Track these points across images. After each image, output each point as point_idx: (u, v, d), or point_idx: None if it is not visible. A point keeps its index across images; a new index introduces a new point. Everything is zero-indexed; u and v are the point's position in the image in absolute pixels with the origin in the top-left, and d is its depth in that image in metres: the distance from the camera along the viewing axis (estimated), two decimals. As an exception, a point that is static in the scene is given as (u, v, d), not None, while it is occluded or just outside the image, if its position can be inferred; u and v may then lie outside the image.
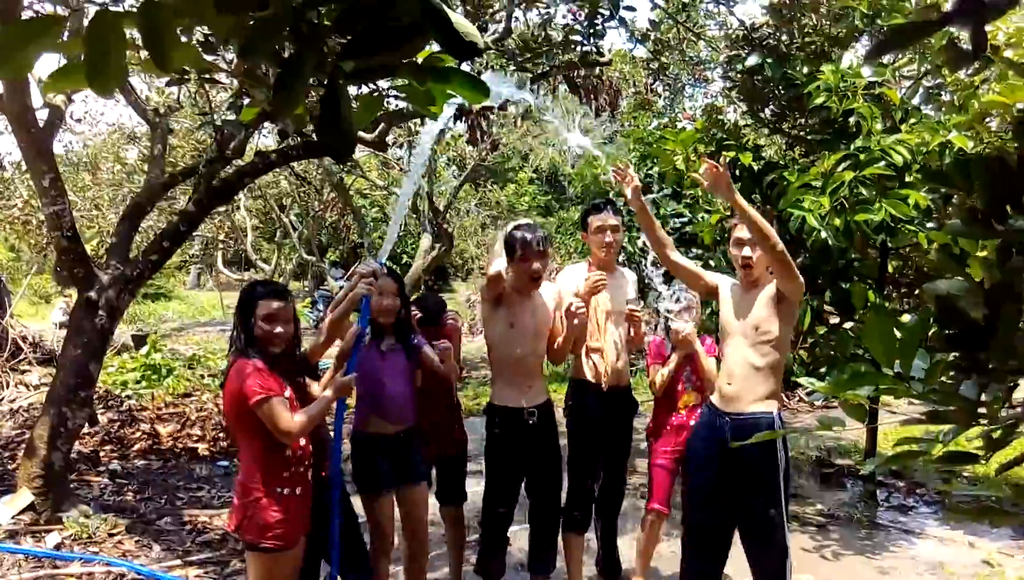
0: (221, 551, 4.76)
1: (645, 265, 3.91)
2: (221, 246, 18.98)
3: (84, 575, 4.31)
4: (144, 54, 1.20)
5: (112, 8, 1.17)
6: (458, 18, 1.25)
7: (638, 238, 9.90)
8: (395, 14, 1.22)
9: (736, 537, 3.52)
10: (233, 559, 4.61)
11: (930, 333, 1.39)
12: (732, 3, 13.20)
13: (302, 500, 3.00)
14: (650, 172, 10.74)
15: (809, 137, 5.71)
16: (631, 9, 6.19)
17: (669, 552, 4.54)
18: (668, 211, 10.53)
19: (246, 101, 4.61)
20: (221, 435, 7.33)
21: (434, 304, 4.22)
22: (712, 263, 6.28)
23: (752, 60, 5.61)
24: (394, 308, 3.53)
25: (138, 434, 7.27)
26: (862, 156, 4.73)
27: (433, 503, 3.98)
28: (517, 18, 6.53)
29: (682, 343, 4.00)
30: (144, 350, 10.35)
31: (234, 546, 4.80)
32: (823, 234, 4.66)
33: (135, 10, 1.16)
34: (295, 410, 2.93)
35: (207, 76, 3.38)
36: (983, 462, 1.41)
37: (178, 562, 4.56)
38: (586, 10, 6.08)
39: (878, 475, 6.18)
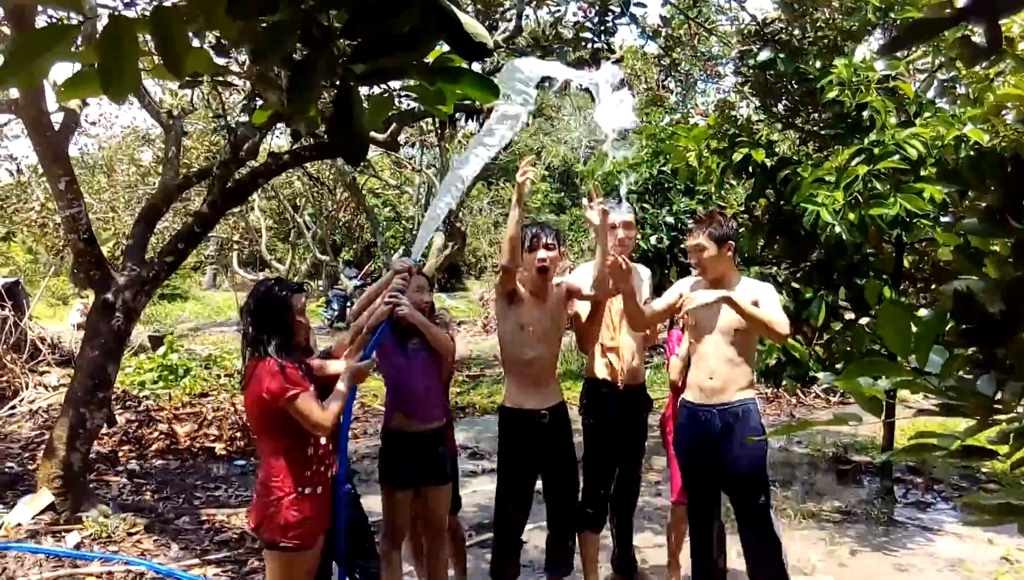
0: (239, 550, 4.79)
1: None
2: (236, 247, 19.10)
3: (104, 574, 4.35)
4: (157, 59, 1.22)
5: (125, 14, 1.18)
6: (467, 19, 1.26)
7: (651, 236, 9.90)
8: (404, 17, 1.23)
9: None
10: (251, 558, 4.65)
11: (947, 328, 1.38)
12: (744, -3, 13.13)
13: (323, 499, 3.02)
14: (663, 168, 10.72)
15: (822, 132, 5.67)
16: (642, 5, 6.17)
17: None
18: (680, 207, 10.50)
19: (258, 103, 4.64)
20: (238, 435, 7.38)
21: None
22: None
23: (764, 55, 5.58)
24: (428, 303, 3.61)
25: (156, 434, 7.33)
26: (876, 150, 4.69)
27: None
28: (528, 16, 6.53)
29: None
30: (161, 350, 10.44)
31: (251, 545, 4.84)
32: (837, 229, 4.63)
33: (147, 16, 1.17)
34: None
35: (220, 79, 3.41)
36: (1001, 459, 1.40)
37: (196, 561, 4.60)
38: (597, 7, 6.08)
39: (895, 472, 6.14)
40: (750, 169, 5.39)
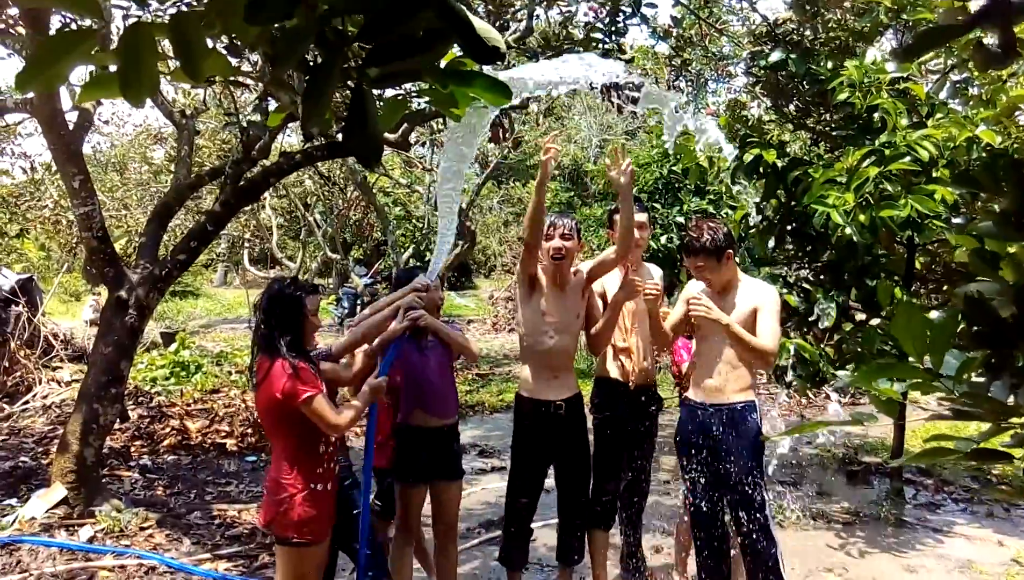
0: (250, 545, 4.83)
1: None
2: (247, 245, 19.18)
3: (116, 568, 4.39)
4: (175, 63, 1.24)
5: (144, 19, 1.20)
6: (480, 23, 1.27)
7: (661, 236, 9.89)
8: (418, 21, 1.24)
9: None
10: (262, 553, 4.68)
11: (959, 330, 1.38)
12: (756, -3, 13.08)
13: (331, 496, 3.06)
14: (673, 168, 10.70)
15: (834, 133, 5.66)
16: (652, 6, 6.16)
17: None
18: (691, 207, 10.49)
19: (271, 103, 4.67)
20: (249, 431, 7.42)
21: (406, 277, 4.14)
22: (736, 259, 6.25)
23: (775, 56, 5.57)
24: (442, 302, 3.66)
25: (168, 430, 7.39)
26: (887, 151, 4.68)
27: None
28: (538, 16, 6.53)
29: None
30: (173, 347, 10.51)
31: (262, 540, 4.87)
32: (848, 230, 4.62)
33: (166, 21, 1.19)
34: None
35: (233, 79, 3.44)
36: (1016, 461, 1.40)
37: (208, 556, 4.64)
38: (608, 7, 6.07)
39: (905, 473, 6.13)
40: (761, 170, 5.38)
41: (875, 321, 5.26)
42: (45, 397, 8.48)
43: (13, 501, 5.34)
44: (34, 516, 4.93)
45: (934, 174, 4.73)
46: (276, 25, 1.25)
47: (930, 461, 1.40)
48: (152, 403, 8.42)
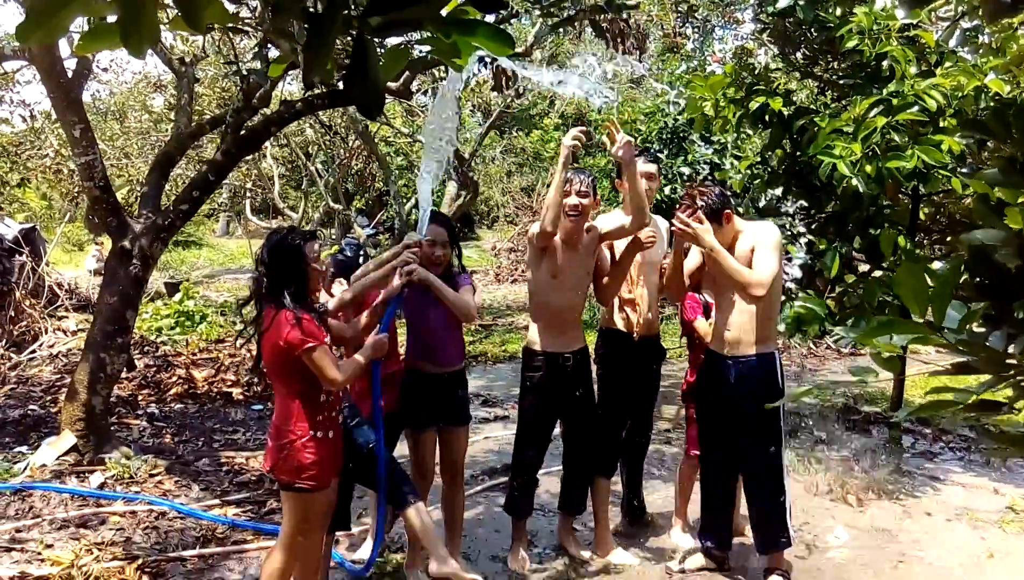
0: (258, 491, 4.92)
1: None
2: (249, 194, 19.10)
3: (127, 513, 4.48)
4: (173, 12, 1.22)
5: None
6: (483, -29, 1.25)
7: (666, 186, 9.82)
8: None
9: None
10: (269, 499, 4.77)
11: (962, 281, 1.39)
12: (765, -60, 12.78)
13: (334, 443, 3.10)
14: (678, 117, 10.60)
15: (841, 81, 5.59)
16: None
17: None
18: (697, 157, 10.42)
19: (271, 50, 4.61)
20: (255, 380, 7.49)
21: (353, 254, 4.12)
22: (740, 210, 6.23)
23: (783, 2, 5.46)
24: (445, 258, 3.63)
25: (174, 379, 7.46)
26: (895, 101, 4.63)
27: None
28: (543, -40, 6.39)
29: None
30: (177, 297, 10.55)
31: (270, 486, 4.96)
32: (854, 181, 4.60)
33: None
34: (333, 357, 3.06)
35: (232, 26, 3.39)
36: (1012, 411, 1.42)
37: (216, 501, 4.73)
38: (614, -49, 5.93)
39: (904, 422, 6.19)
40: (767, 119, 5.33)
41: (878, 272, 5.26)
42: (52, 346, 8.55)
43: (24, 449, 5.43)
44: (45, 463, 5.01)
45: (941, 124, 4.68)
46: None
47: (930, 414, 1.42)
48: (158, 353, 8.48)
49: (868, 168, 4.58)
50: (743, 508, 3.99)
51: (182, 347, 8.87)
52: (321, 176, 16.08)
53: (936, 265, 1.48)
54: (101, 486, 4.84)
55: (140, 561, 3.85)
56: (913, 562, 4.08)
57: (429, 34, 1.40)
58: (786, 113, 5.19)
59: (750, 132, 6.56)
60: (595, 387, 4.05)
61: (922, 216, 5.69)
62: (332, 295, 3.64)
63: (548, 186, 3.71)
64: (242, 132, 5.52)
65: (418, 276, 3.37)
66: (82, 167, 5.15)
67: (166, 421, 6.35)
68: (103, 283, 5.44)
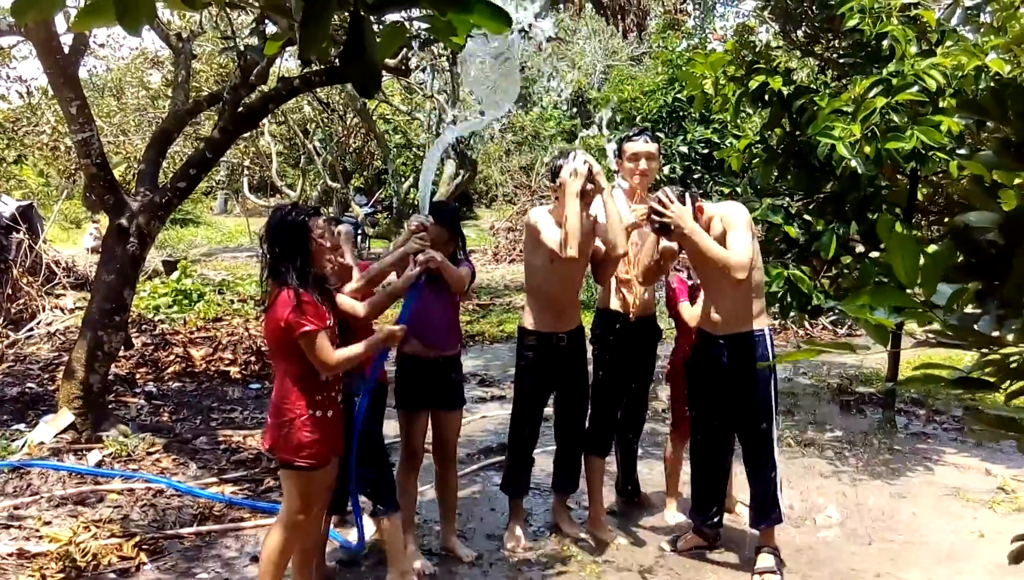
0: (255, 469, 4.94)
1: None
2: (247, 172, 19.01)
3: (125, 491, 4.51)
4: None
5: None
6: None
7: (664, 165, 9.79)
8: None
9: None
10: (267, 477, 4.80)
11: (954, 261, 1.39)
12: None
13: (333, 422, 3.11)
14: (678, 96, 10.54)
15: (841, 60, 5.56)
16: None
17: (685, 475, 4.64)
18: (696, 136, 10.37)
19: (268, 26, 4.58)
20: (252, 359, 7.51)
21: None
22: (739, 190, 6.22)
23: (785, -21, 5.43)
24: (448, 250, 3.62)
25: (172, 357, 7.47)
26: (895, 81, 4.61)
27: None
28: (542, -64, 6.32)
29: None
30: (175, 275, 10.55)
31: (267, 465, 4.98)
32: (852, 162, 4.59)
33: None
34: (335, 338, 3.05)
35: (229, 1, 3.36)
36: (999, 391, 1.42)
37: (214, 480, 4.75)
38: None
39: (898, 403, 6.22)
40: (766, 98, 5.31)
41: (874, 254, 5.26)
42: (49, 324, 8.56)
43: (22, 426, 5.45)
44: (43, 441, 5.03)
45: (941, 104, 4.66)
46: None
47: (918, 387, 1.43)
48: (156, 331, 8.49)
49: (867, 149, 4.57)
50: (734, 488, 4.02)
51: (180, 325, 8.88)
52: (319, 154, 16.01)
53: (932, 248, 1.47)
54: (99, 464, 4.86)
55: (138, 538, 3.88)
56: (904, 542, 4.12)
57: (425, 12, 1.39)
58: (786, 93, 5.17)
59: (749, 111, 6.54)
60: (589, 367, 4.06)
61: (920, 197, 5.68)
62: (348, 263, 3.64)
63: (555, 188, 3.68)
64: (240, 109, 5.49)
65: (435, 264, 3.36)
66: (79, 144, 5.13)
67: (164, 399, 6.37)
68: (100, 261, 5.44)
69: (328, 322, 3.00)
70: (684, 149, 10.21)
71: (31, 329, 8.36)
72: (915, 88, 4.53)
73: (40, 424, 5.22)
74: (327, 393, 3.08)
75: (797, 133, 5.24)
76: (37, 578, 3.48)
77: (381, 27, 1.75)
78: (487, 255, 17.38)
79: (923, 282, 1.31)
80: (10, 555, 3.68)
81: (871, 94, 4.60)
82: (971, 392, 1.45)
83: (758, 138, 5.84)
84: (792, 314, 5.40)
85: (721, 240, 3.52)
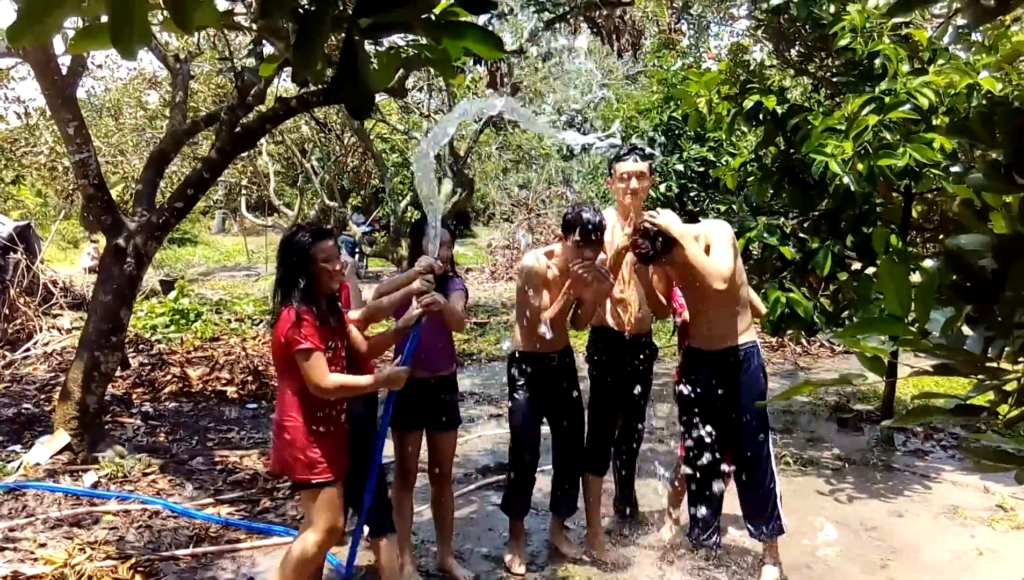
0: (251, 490, 4.92)
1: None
2: (244, 191, 19.06)
3: (120, 512, 4.48)
4: (165, 13, 1.23)
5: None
6: (472, -27, 1.26)
7: (660, 184, 9.83)
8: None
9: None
10: (263, 498, 4.78)
11: (945, 288, 1.39)
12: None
13: (336, 441, 3.12)
14: (673, 114, 10.60)
15: (834, 79, 5.60)
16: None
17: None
18: (691, 154, 10.41)
19: (265, 47, 4.61)
20: (249, 379, 7.50)
21: (349, 251, 4.20)
22: (735, 208, 6.24)
23: (778, -1, 5.48)
24: (445, 262, 3.64)
25: (168, 377, 7.46)
26: (887, 99, 4.64)
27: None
28: (538, -42, 6.40)
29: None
30: (172, 295, 10.55)
31: (263, 485, 4.97)
32: (845, 179, 4.62)
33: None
34: (339, 361, 3.08)
35: (225, 24, 3.39)
36: (995, 416, 1.43)
37: (210, 500, 4.73)
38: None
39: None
40: (761, 116, 5.34)
41: (871, 270, 5.27)
42: (46, 344, 8.54)
43: (17, 447, 5.42)
44: (38, 462, 5.01)
45: (934, 122, 4.70)
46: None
47: (917, 421, 1.43)
48: (152, 351, 8.48)
49: (860, 166, 4.60)
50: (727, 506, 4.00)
51: (177, 345, 8.86)
52: (317, 173, 16.05)
53: (927, 263, 1.48)
54: (95, 485, 4.84)
55: (133, 560, 3.86)
56: (902, 560, 4.10)
57: (419, 37, 1.41)
58: (780, 111, 5.20)
59: (744, 129, 6.57)
60: (581, 386, 4.05)
61: (914, 214, 5.71)
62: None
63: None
64: (237, 129, 5.52)
65: (437, 307, 3.36)
66: (77, 164, 5.14)
67: (160, 420, 6.35)
68: (98, 281, 5.44)
69: (330, 344, 3.01)
70: (680, 167, 10.24)
71: (28, 349, 8.35)
72: (907, 106, 4.56)
73: (36, 445, 5.20)
74: (328, 410, 3.09)
75: (791, 151, 5.27)
76: (31, 601, 3.46)
77: (377, 50, 1.77)
78: (484, 273, 17.39)
79: (917, 310, 1.32)
80: (5, 578, 3.66)
81: (864, 112, 4.63)
82: (970, 419, 1.45)
83: (753, 156, 5.88)
84: (789, 331, 5.41)
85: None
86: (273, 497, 4.81)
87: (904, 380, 6.37)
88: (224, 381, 7.49)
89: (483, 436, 6.16)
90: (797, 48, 6.12)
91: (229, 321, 10.43)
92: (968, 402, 1.42)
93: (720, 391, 3.67)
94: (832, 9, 5.36)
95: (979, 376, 1.32)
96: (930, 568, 4.01)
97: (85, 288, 10.87)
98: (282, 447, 3.05)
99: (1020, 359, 1.35)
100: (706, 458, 3.79)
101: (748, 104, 5.24)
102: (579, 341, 4.04)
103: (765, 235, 5.24)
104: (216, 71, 11.23)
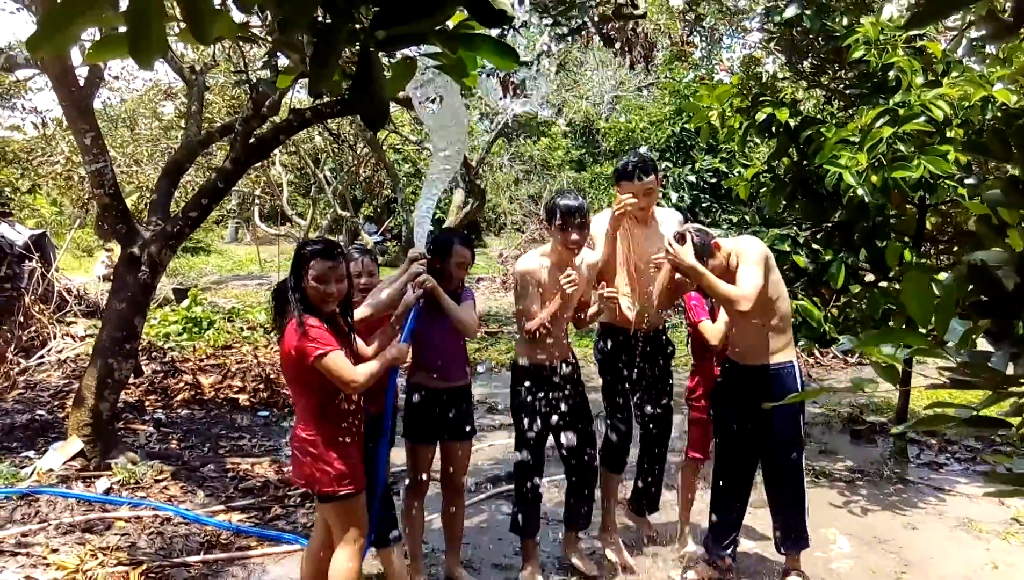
0: (263, 497, 4.93)
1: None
2: (257, 201, 19.18)
3: (132, 519, 4.50)
4: (182, 25, 1.24)
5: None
6: (487, -14, 1.27)
7: (673, 194, 9.82)
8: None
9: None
10: (274, 505, 4.79)
11: (964, 299, 1.39)
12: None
13: (358, 449, 3.11)
14: (685, 125, 10.61)
15: (847, 91, 5.60)
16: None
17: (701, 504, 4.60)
18: (704, 165, 10.43)
19: (280, 59, 4.65)
20: (261, 386, 7.52)
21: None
22: (747, 218, 6.23)
23: (790, 11, 5.49)
24: (463, 278, 3.70)
25: (181, 385, 7.49)
26: (901, 111, 4.63)
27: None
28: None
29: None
30: (185, 303, 10.61)
31: (274, 493, 4.98)
32: (860, 191, 4.60)
33: (175, -17, 1.20)
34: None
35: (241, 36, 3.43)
36: (1012, 427, 1.41)
37: (221, 507, 4.74)
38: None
39: (910, 432, 6.17)
40: (773, 128, 5.34)
41: (883, 283, 5.25)
42: (60, 352, 8.60)
43: (31, 453, 5.46)
44: (52, 468, 5.04)
45: (948, 134, 4.68)
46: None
47: (930, 428, 1.42)
48: (165, 358, 8.53)
49: (874, 178, 4.58)
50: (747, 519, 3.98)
51: (189, 353, 8.91)
52: (329, 183, 16.15)
53: (942, 276, 1.47)
54: (107, 491, 4.86)
55: (145, 566, 3.87)
56: (916, 573, 4.06)
57: (435, 48, 1.42)
58: (792, 123, 5.20)
59: (757, 140, 6.57)
60: (596, 395, 4.04)
61: (928, 226, 5.68)
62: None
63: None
64: (251, 140, 5.56)
65: (430, 284, 3.39)
66: (92, 174, 5.19)
67: (172, 427, 6.38)
68: (112, 289, 5.48)
69: (337, 345, 2.95)
70: (692, 178, 10.26)
71: (42, 357, 8.41)
72: (921, 118, 4.55)
73: (49, 451, 5.23)
74: (352, 420, 3.07)
75: (804, 163, 5.26)
76: (44, 607, 3.48)
77: (391, 61, 1.79)
78: (495, 283, 17.41)
79: (937, 321, 1.31)
80: (17, 583, 3.68)
81: (878, 124, 4.62)
82: (985, 431, 1.44)
83: (766, 167, 5.87)
84: (801, 342, 5.38)
85: (734, 273, 3.55)
86: (284, 504, 4.82)
87: (918, 392, 6.32)
88: (236, 389, 7.52)
89: (494, 445, 6.16)
90: (810, 60, 6.13)
91: (241, 329, 10.48)
92: (982, 414, 1.41)
93: (749, 406, 3.64)
94: (845, 21, 5.37)
95: (1000, 390, 1.31)
96: (944, 583, 3.98)
97: (99, 296, 10.96)
98: (307, 462, 3.00)
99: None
100: (734, 471, 3.78)
101: (760, 116, 5.24)
102: (582, 347, 4.02)
103: (776, 242, 5.22)
104: (231, 83, 11.32)
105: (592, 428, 3.96)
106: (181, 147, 5.95)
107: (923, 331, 1.34)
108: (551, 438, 3.90)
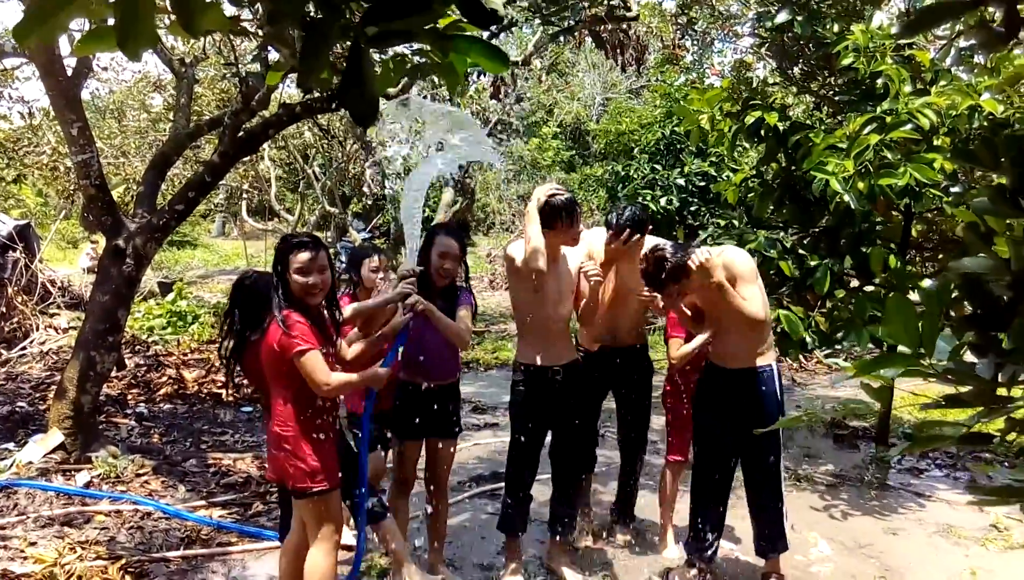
0: (244, 493, 4.91)
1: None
2: (245, 195, 19.09)
3: (112, 513, 4.47)
4: (172, 17, 1.24)
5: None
6: (479, -15, 1.27)
7: (661, 197, 9.85)
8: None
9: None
10: (256, 501, 4.77)
11: (950, 311, 1.39)
12: (765, -44, 12.83)
13: (333, 442, 3.11)
14: (675, 128, 10.64)
15: (836, 98, 5.63)
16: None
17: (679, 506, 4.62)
18: (693, 169, 10.45)
19: (270, 53, 4.62)
20: (245, 382, 7.47)
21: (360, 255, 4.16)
22: (736, 222, 6.25)
23: (782, 17, 5.50)
24: (454, 273, 3.66)
25: (164, 379, 7.45)
26: (889, 119, 4.66)
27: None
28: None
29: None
30: (170, 297, 10.54)
31: (256, 489, 4.96)
32: (846, 197, 4.63)
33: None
34: (331, 366, 3.00)
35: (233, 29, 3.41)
36: (1001, 444, 1.42)
37: (203, 503, 4.72)
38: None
39: (891, 438, 6.21)
40: (762, 133, 5.35)
41: (868, 288, 5.28)
42: (42, 343, 8.53)
43: (10, 445, 5.42)
44: (31, 461, 5.00)
45: (935, 142, 4.72)
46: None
47: (922, 449, 1.42)
48: (149, 352, 8.48)
49: (860, 185, 4.61)
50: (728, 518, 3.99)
51: (173, 347, 8.86)
52: (318, 179, 16.09)
53: (926, 282, 1.48)
54: (87, 485, 4.83)
55: (123, 561, 3.85)
56: (896, 578, 4.09)
57: (425, 46, 1.42)
58: (781, 128, 5.22)
59: (746, 145, 6.59)
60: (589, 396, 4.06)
61: (914, 233, 5.72)
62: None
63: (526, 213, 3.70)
64: (240, 134, 5.53)
65: (421, 307, 3.37)
66: (79, 165, 5.15)
67: (154, 421, 6.34)
68: (96, 281, 5.44)
69: (318, 345, 2.94)
70: (681, 181, 10.28)
71: (24, 348, 8.34)
72: (908, 126, 4.58)
73: (29, 443, 5.19)
74: (326, 416, 3.07)
75: (792, 168, 5.28)
76: (21, 600, 3.45)
77: (383, 58, 1.79)
78: (483, 282, 17.40)
79: (923, 335, 1.32)
80: (-6, 576, 3.65)
81: (865, 131, 4.65)
82: (973, 446, 1.45)
83: (754, 172, 5.89)
84: (788, 353, 5.40)
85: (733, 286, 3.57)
86: (265, 501, 4.80)
87: (901, 398, 6.36)
88: (219, 384, 7.48)
89: (479, 444, 6.15)
90: (800, 66, 6.14)
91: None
92: (974, 430, 1.41)
93: (732, 409, 3.69)
94: (836, 28, 5.39)
95: (991, 405, 1.31)
96: (923, 588, 4.01)
97: (83, 288, 10.87)
98: (282, 457, 3.00)
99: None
100: (714, 473, 3.80)
101: (750, 120, 5.26)
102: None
103: (766, 247, 5.24)
104: (221, 76, 11.26)
105: (595, 429, 3.99)
106: (169, 140, 5.91)
107: (911, 352, 1.34)
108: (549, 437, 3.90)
